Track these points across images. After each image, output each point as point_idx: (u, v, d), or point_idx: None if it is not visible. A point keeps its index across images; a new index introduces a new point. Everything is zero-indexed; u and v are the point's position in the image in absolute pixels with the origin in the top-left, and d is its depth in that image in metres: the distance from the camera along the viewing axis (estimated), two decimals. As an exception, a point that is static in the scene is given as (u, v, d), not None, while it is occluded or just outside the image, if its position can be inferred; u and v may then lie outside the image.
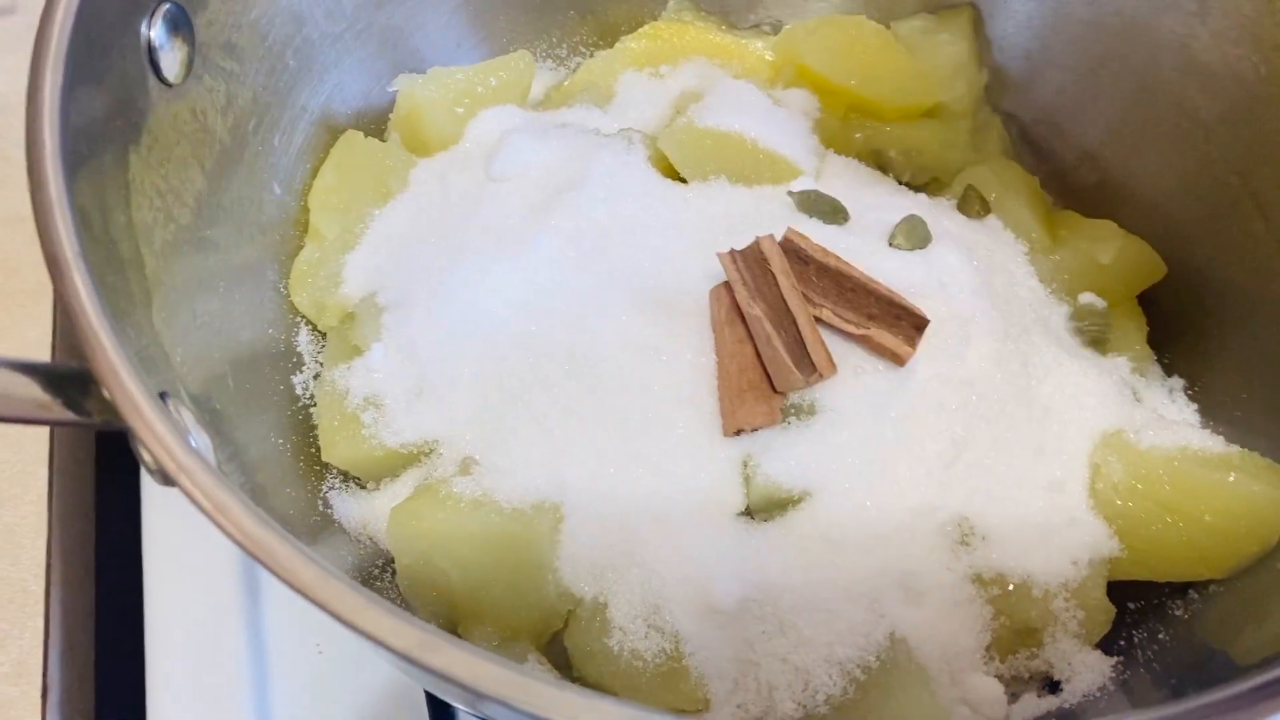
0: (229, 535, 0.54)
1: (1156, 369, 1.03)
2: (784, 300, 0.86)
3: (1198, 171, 1.03)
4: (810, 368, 0.84)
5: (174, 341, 0.77)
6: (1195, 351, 1.03)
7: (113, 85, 0.76)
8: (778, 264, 0.87)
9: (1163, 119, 1.06)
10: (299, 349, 0.99)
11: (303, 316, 1.00)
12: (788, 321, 0.86)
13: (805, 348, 0.85)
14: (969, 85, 1.15)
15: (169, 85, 0.84)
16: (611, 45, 1.19)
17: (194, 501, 0.55)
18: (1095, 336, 1.00)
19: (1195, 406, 1.01)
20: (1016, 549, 0.86)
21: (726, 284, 0.89)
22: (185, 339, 0.80)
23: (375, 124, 1.11)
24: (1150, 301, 1.06)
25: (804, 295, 0.87)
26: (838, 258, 0.89)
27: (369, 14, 1.07)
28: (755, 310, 0.86)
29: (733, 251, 0.89)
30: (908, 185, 1.12)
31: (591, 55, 1.21)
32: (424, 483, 0.91)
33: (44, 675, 1.00)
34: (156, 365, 0.70)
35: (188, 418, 0.67)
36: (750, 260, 0.88)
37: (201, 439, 0.68)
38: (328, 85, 1.06)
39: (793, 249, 0.89)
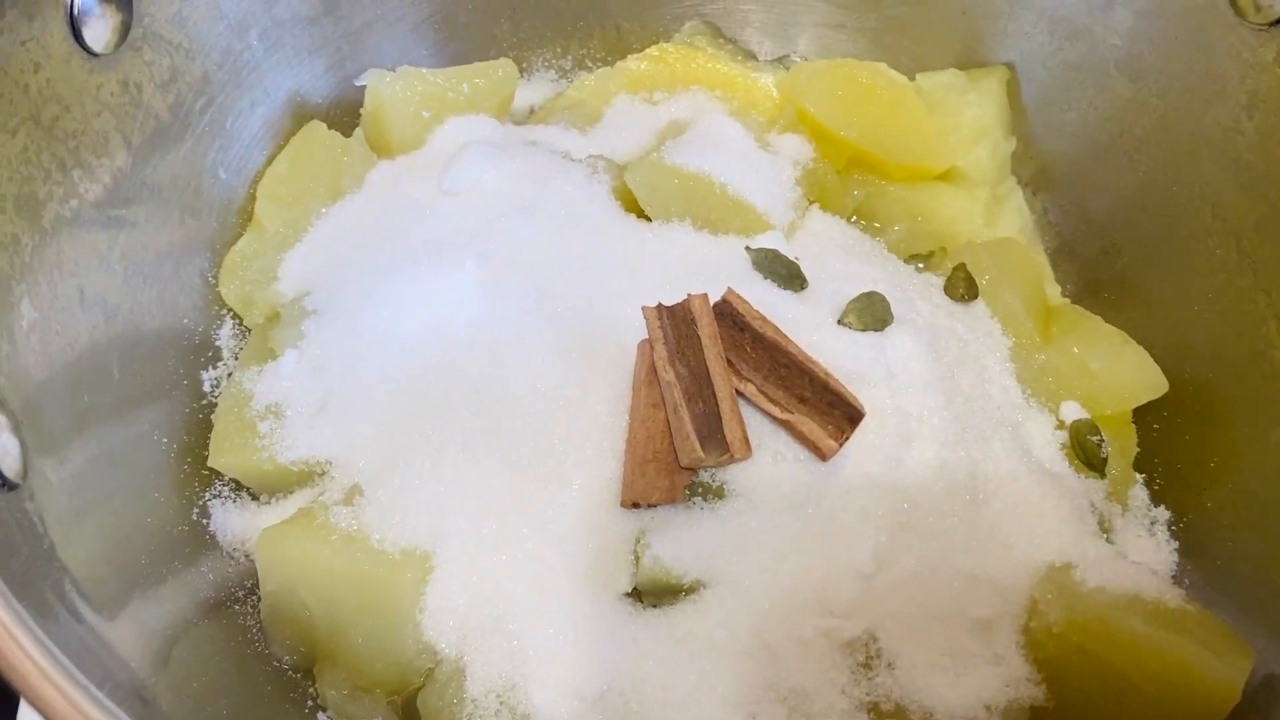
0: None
1: (1141, 495, 0.92)
2: (706, 368, 0.78)
3: (1223, 282, 0.92)
4: (721, 446, 0.76)
5: (32, 327, 0.72)
6: (1188, 482, 0.92)
7: (4, 47, 0.71)
8: (706, 327, 0.79)
9: (1194, 217, 0.95)
10: (218, 343, 0.94)
11: (229, 309, 0.95)
12: (706, 392, 0.78)
13: (720, 423, 0.76)
14: (992, 152, 1.05)
15: (94, 55, 0.80)
16: (616, 64, 1.12)
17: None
18: (1090, 456, 0.89)
19: (1176, 544, 0.90)
20: (925, 682, 0.77)
21: (652, 340, 0.82)
22: (56, 323, 0.75)
23: (349, 119, 1.06)
24: (1145, 418, 0.95)
25: (731, 366, 0.79)
26: (776, 329, 0.80)
27: (350, 1, 1.02)
28: (669, 374, 0.78)
29: (660, 306, 0.81)
30: (911, 255, 1.03)
31: (595, 71, 1.14)
32: (306, 506, 0.85)
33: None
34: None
35: (-3, 421, 0.63)
36: (678, 319, 0.81)
37: (6, 445, 0.62)
38: (300, 71, 1.01)
39: (729, 313, 0.81)
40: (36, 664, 0.52)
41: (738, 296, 0.81)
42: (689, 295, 0.81)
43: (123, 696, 0.55)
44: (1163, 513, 0.91)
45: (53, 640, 0.52)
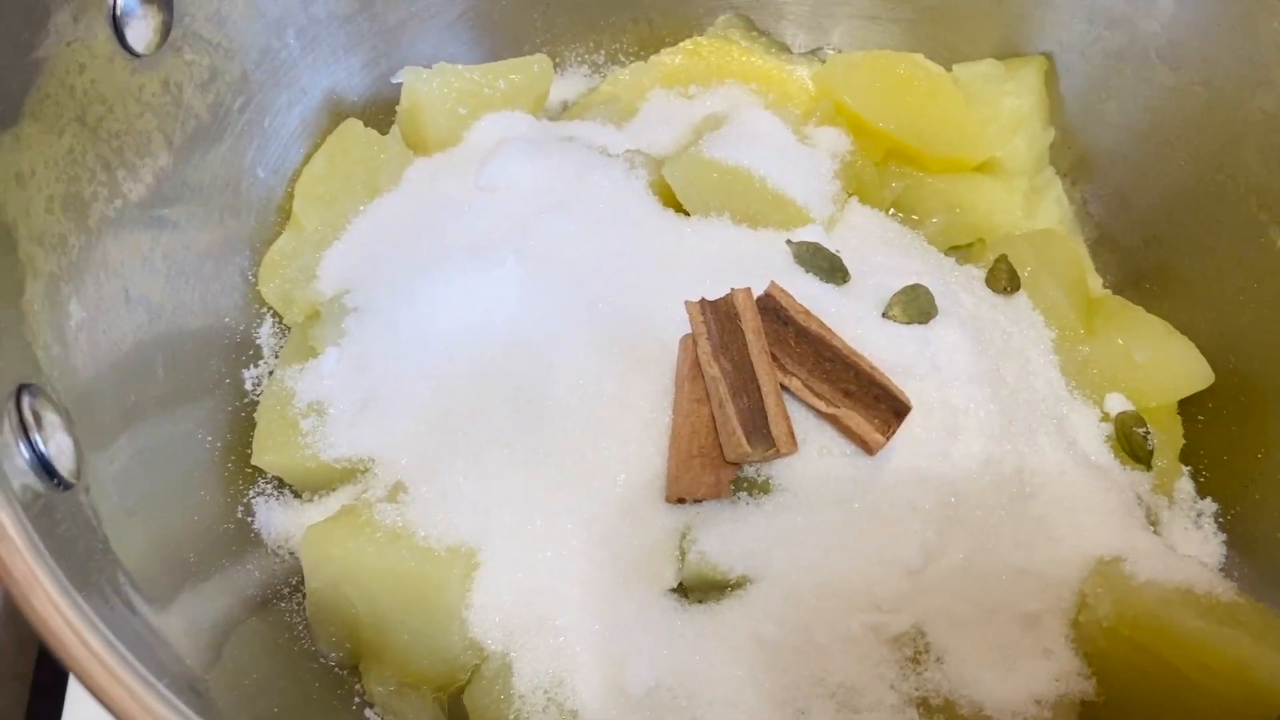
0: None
1: (1187, 487, 0.91)
2: (750, 363, 0.78)
3: (1268, 271, 0.91)
4: (767, 441, 0.76)
5: (80, 326, 0.72)
6: (1235, 474, 0.91)
7: (54, 50, 0.72)
8: (750, 322, 0.79)
9: (1239, 207, 0.94)
10: (258, 341, 0.94)
11: (269, 308, 0.95)
12: (751, 387, 0.77)
13: (765, 418, 0.76)
14: (1030, 143, 1.04)
15: (136, 55, 0.80)
16: (649, 58, 1.12)
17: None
18: (1136, 449, 0.88)
19: (1224, 537, 0.89)
20: (974, 676, 0.76)
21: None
22: (103, 323, 0.76)
23: (384, 116, 1.05)
24: (1191, 409, 0.94)
25: (774, 360, 0.79)
26: (820, 322, 0.80)
27: (393, 0, 1.02)
28: (714, 369, 0.78)
29: (703, 301, 0.81)
30: (950, 247, 1.02)
31: (628, 65, 1.13)
32: (350, 503, 0.85)
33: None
34: (23, 351, 0.65)
35: (48, 419, 0.63)
36: (721, 313, 0.80)
37: (60, 443, 0.63)
38: (335, 70, 1.01)
39: (772, 306, 0.80)
40: (98, 655, 0.52)
41: (781, 290, 0.81)
42: (732, 289, 0.80)
43: (179, 689, 0.55)
44: (1209, 505, 0.90)
45: (112, 631, 0.52)
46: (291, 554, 0.86)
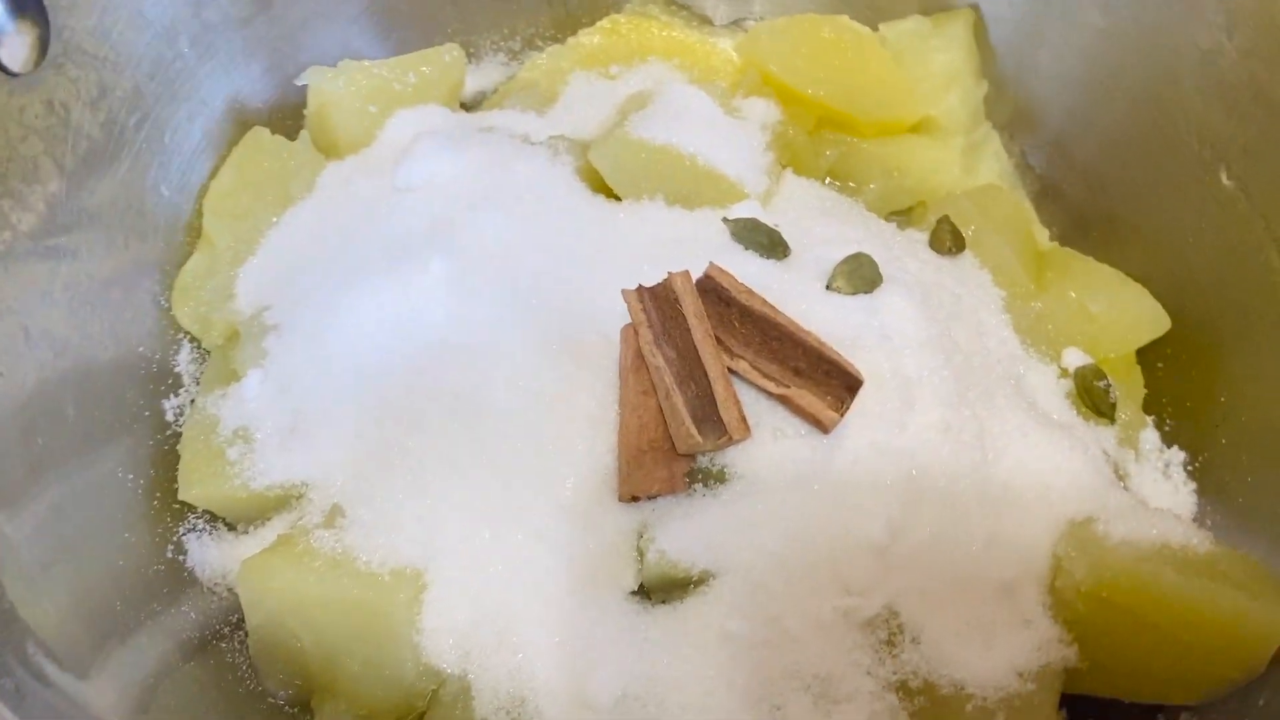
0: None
1: (1152, 438, 0.89)
2: (695, 348, 0.74)
3: (1217, 210, 0.89)
4: (718, 429, 0.72)
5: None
6: (1199, 419, 0.89)
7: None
8: (690, 305, 0.75)
9: (1181, 146, 0.91)
10: (177, 369, 0.89)
11: (185, 333, 0.90)
12: (698, 373, 0.74)
13: (715, 405, 0.73)
14: (964, 98, 1.02)
15: (13, 74, 0.75)
16: (567, 40, 1.07)
17: None
18: (1099, 403, 0.86)
19: (1194, 486, 0.87)
20: (952, 654, 0.73)
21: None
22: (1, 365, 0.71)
23: (293, 122, 1.00)
24: (1149, 357, 0.92)
25: (720, 343, 0.75)
26: (764, 301, 0.76)
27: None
28: (658, 359, 0.74)
29: (640, 288, 0.77)
30: (891, 212, 1.00)
31: (546, 50, 1.09)
32: (285, 532, 0.80)
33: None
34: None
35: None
36: (660, 299, 0.77)
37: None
38: (237, 76, 0.96)
39: (713, 288, 0.77)
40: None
41: (720, 270, 0.77)
42: (670, 274, 0.76)
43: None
44: (1176, 454, 0.88)
45: (15, 714, 0.48)
46: (230, 590, 0.82)
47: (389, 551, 0.76)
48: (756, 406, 0.75)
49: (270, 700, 0.77)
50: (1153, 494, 0.85)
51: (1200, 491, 0.87)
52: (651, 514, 0.75)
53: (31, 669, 0.57)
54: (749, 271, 0.79)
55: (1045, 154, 1.04)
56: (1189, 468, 0.88)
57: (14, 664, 0.56)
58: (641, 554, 0.75)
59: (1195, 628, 0.70)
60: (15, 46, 0.75)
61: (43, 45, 0.77)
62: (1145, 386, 0.91)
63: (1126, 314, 0.89)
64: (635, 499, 0.75)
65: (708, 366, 0.74)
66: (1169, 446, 0.89)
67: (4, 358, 0.72)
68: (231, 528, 0.85)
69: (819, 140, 0.99)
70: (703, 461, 0.76)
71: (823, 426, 0.74)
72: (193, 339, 0.91)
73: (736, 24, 1.10)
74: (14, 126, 0.76)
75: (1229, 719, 0.71)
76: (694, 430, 0.72)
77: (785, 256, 0.83)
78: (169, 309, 0.90)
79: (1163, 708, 0.75)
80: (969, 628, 0.74)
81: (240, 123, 0.97)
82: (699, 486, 0.75)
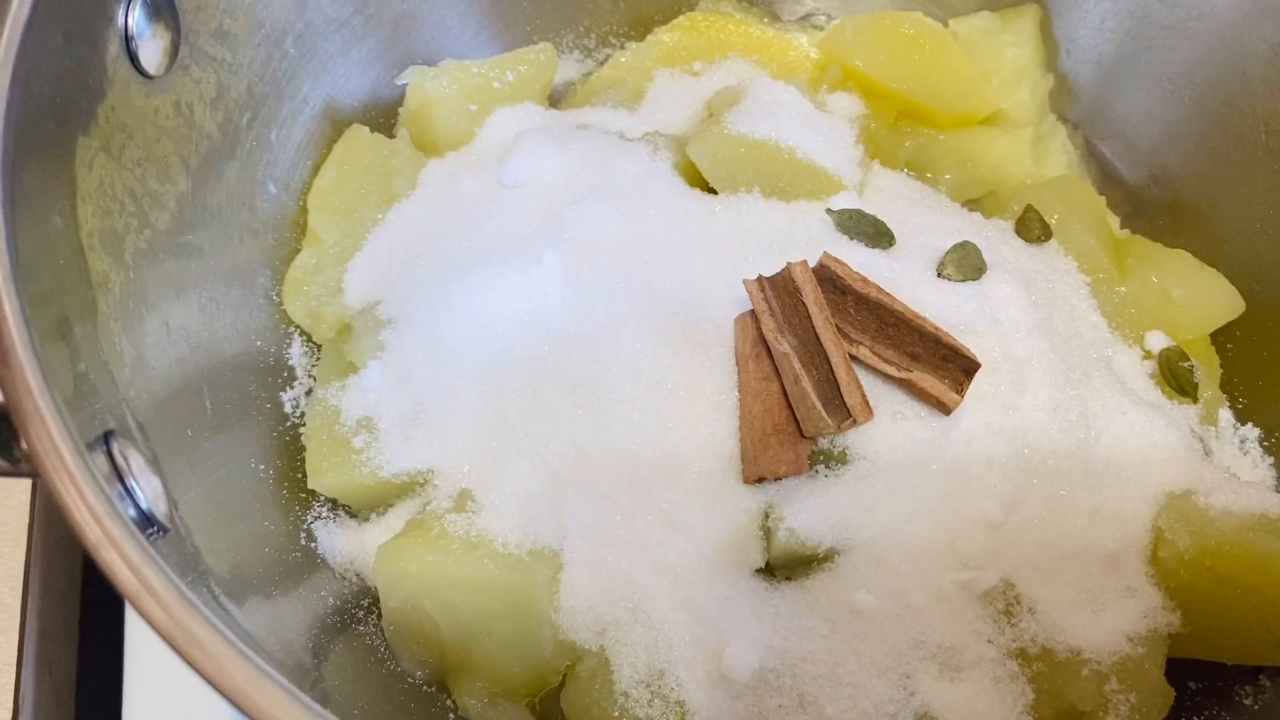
0: (152, 623, 0.47)
1: (1228, 416, 0.93)
2: (816, 335, 0.77)
3: (1282, 196, 0.93)
4: (843, 412, 0.76)
5: (133, 364, 0.70)
6: (1272, 397, 0.93)
7: (76, 81, 0.68)
8: (810, 294, 0.78)
9: (1248, 138, 0.96)
10: (290, 362, 0.92)
11: (296, 327, 0.93)
12: (819, 359, 0.77)
13: (838, 389, 0.76)
14: (1033, 91, 1.05)
15: (149, 77, 0.77)
16: (643, 36, 1.10)
17: (112, 577, 0.47)
18: (1183, 383, 0.90)
19: (1271, 460, 0.91)
20: (1066, 622, 0.77)
21: (753, 312, 0.81)
22: (151, 359, 0.73)
23: (385, 118, 1.03)
24: (1221, 339, 0.96)
25: (839, 330, 0.79)
26: (879, 288, 0.80)
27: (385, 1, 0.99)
28: (783, 346, 0.77)
29: (760, 278, 0.81)
30: (966, 201, 1.03)
31: (622, 46, 1.12)
32: (416, 517, 0.83)
33: (15, 694, 0.94)
34: (101, 396, 0.63)
35: (135, 461, 0.60)
36: (780, 289, 0.80)
37: (150, 485, 0.60)
38: (332, 76, 0.98)
39: (828, 277, 0.80)
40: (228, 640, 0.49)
41: (835, 259, 0.80)
42: (789, 263, 0.80)
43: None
44: (1251, 431, 0.92)
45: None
46: (358, 576, 0.84)
47: (524, 533, 0.79)
48: (875, 390, 0.79)
49: (410, 680, 0.80)
50: (1235, 468, 0.89)
51: (1277, 465, 0.91)
52: (777, 494, 0.78)
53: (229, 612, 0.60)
54: (858, 260, 0.83)
55: (1110, 144, 1.08)
56: (1264, 443, 0.92)
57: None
58: (768, 533, 0.78)
59: (1296, 591, 0.74)
60: (152, 50, 0.77)
61: (174, 49, 0.79)
62: (1220, 367, 0.95)
63: (1204, 297, 0.93)
64: (761, 480, 0.78)
65: (830, 352, 0.77)
66: (1243, 424, 0.93)
67: (153, 351, 0.74)
68: (353, 516, 0.87)
69: (898, 132, 1.02)
70: (823, 443, 0.79)
71: (945, 408, 0.77)
72: (303, 333, 0.93)
73: (805, 19, 1.13)
74: (150, 128, 0.78)
75: (1329, 677, 0.75)
76: (823, 412, 0.75)
77: (891, 245, 0.86)
78: (280, 304, 0.92)
79: (1263, 669, 0.79)
80: (1080, 597, 0.78)
81: (335, 121, 0.99)
82: (820, 468, 0.78)
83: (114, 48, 0.73)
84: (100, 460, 0.57)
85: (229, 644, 0.46)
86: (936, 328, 0.78)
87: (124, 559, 0.48)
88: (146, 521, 0.59)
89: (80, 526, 0.48)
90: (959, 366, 0.77)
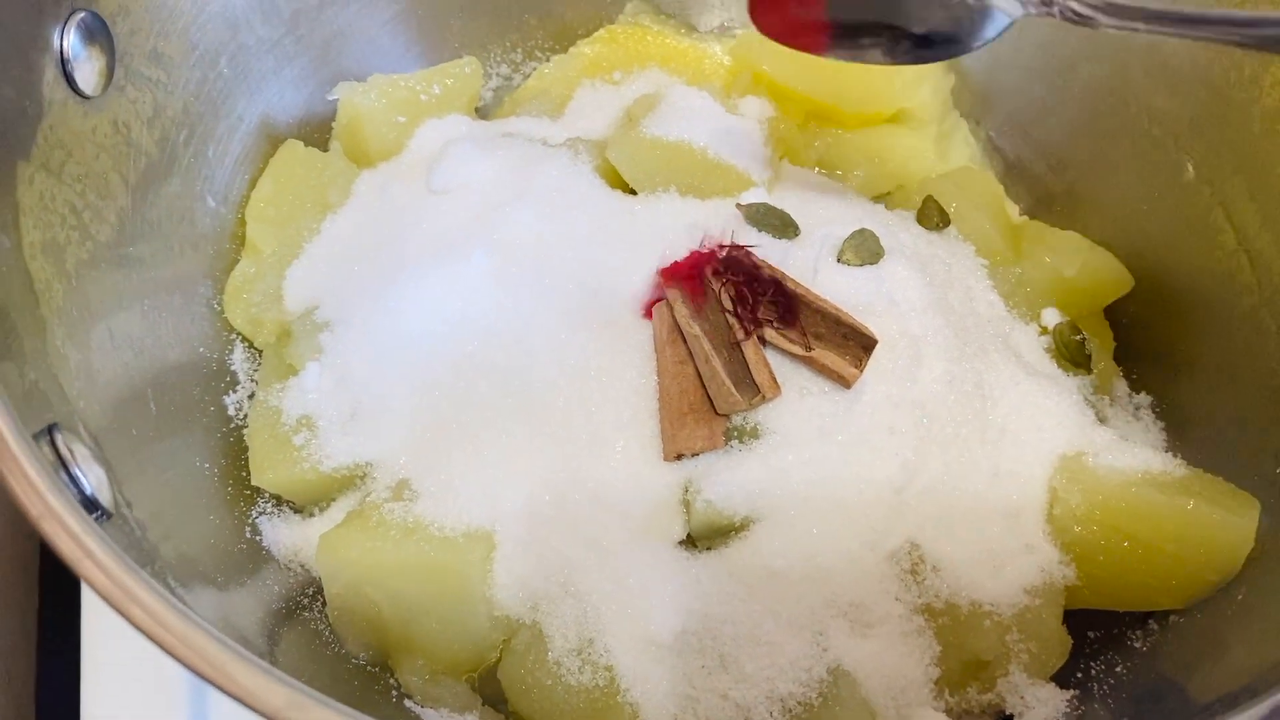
0: (91, 583, 0.51)
1: (1122, 385, 1.00)
2: (725, 319, 0.83)
3: (1168, 180, 1.00)
4: (753, 389, 0.81)
5: (79, 369, 0.74)
6: (1162, 366, 1.00)
7: (13, 103, 0.72)
8: (719, 282, 0.84)
9: (1133, 124, 1.02)
10: (233, 368, 0.96)
11: (238, 334, 0.97)
12: (731, 341, 0.82)
13: (748, 368, 0.81)
14: (934, 90, 1.11)
15: (86, 97, 0.81)
16: (566, 49, 1.16)
17: (55, 548, 0.51)
18: (1075, 355, 0.96)
19: (1161, 425, 0.97)
20: (968, 578, 0.82)
21: (669, 300, 0.86)
22: (96, 364, 0.77)
23: (319, 133, 1.07)
24: (1115, 315, 1.03)
25: (748, 313, 0.84)
26: (784, 274, 0.85)
27: (309, 19, 1.04)
28: (695, 329, 0.83)
29: (675, 266, 0.86)
30: (874, 196, 1.09)
31: (547, 60, 1.17)
32: (356, 508, 0.87)
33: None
34: (47, 398, 0.67)
35: (79, 451, 0.64)
36: (692, 277, 0.85)
37: (94, 474, 0.64)
38: (267, 93, 1.03)
39: (737, 265, 0.85)
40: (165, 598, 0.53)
41: (741, 248, 0.86)
42: (699, 253, 0.85)
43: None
44: (1144, 398, 0.99)
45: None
46: (303, 567, 0.88)
47: (458, 516, 0.83)
48: (782, 369, 0.84)
49: (355, 661, 0.84)
50: (1128, 433, 0.95)
51: (1168, 429, 0.97)
52: (695, 470, 0.83)
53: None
54: (765, 250, 0.88)
55: (1009, 137, 1.14)
56: (1155, 409, 0.98)
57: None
58: (688, 506, 0.83)
59: (1178, 540, 0.80)
60: (88, 71, 0.81)
61: (109, 70, 0.84)
62: (1114, 340, 1.01)
63: (1096, 275, 0.99)
64: (680, 457, 0.83)
65: (739, 334, 0.82)
66: (1137, 392, 1.00)
67: (97, 356, 0.78)
68: (297, 510, 0.91)
69: (808, 133, 1.08)
70: (737, 420, 0.84)
71: (845, 382, 0.83)
72: (244, 339, 0.97)
73: (720, 29, 1.19)
74: (89, 145, 0.82)
75: (1211, 616, 0.81)
76: (733, 391, 0.80)
77: (796, 236, 0.92)
78: (221, 312, 0.96)
79: (1152, 614, 0.85)
80: (981, 555, 0.83)
81: (270, 137, 1.03)
82: (735, 443, 0.84)
83: (50, 71, 0.77)
84: (45, 450, 0.61)
85: (166, 601, 0.51)
86: (837, 309, 0.84)
87: (65, 529, 0.52)
88: (91, 505, 0.62)
89: (22, 501, 0.52)
90: (858, 344, 0.83)
